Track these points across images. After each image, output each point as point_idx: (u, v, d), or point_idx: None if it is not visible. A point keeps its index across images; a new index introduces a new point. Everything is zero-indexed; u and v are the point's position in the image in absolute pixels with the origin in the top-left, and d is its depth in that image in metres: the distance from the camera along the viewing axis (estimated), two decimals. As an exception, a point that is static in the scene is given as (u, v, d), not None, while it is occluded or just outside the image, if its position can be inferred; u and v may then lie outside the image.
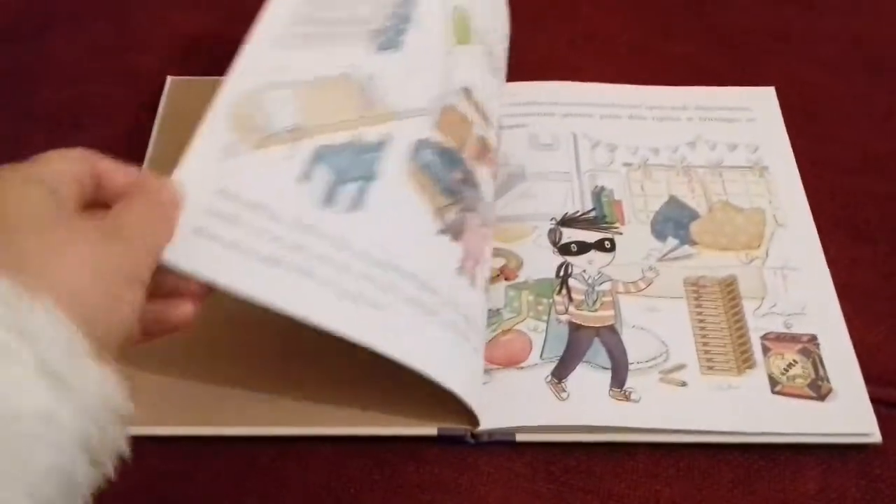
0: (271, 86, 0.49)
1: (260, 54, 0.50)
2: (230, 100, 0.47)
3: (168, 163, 0.44)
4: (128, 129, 0.66)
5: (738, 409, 0.52)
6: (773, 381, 0.53)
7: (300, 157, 0.47)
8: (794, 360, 0.54)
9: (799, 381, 0.54)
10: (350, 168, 0.48)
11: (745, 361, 0.54)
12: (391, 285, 0.46)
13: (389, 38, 0.54)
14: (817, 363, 0.54)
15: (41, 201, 0.35)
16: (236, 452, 0.51)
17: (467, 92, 0.56)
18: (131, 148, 0.63)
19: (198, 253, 0.42)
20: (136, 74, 0.69)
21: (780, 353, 0.55)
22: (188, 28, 0.69)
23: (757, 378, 0.54)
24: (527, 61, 0.71)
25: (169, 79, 0.68)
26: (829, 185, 0.65)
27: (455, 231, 0.51)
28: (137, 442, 0.41)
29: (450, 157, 0.53)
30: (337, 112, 0.49)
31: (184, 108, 0.60)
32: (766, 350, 0.55)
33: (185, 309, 0.41)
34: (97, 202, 0.39)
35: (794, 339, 0.55)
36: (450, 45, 0.57)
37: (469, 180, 0.54)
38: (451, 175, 0.52)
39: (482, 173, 0.56)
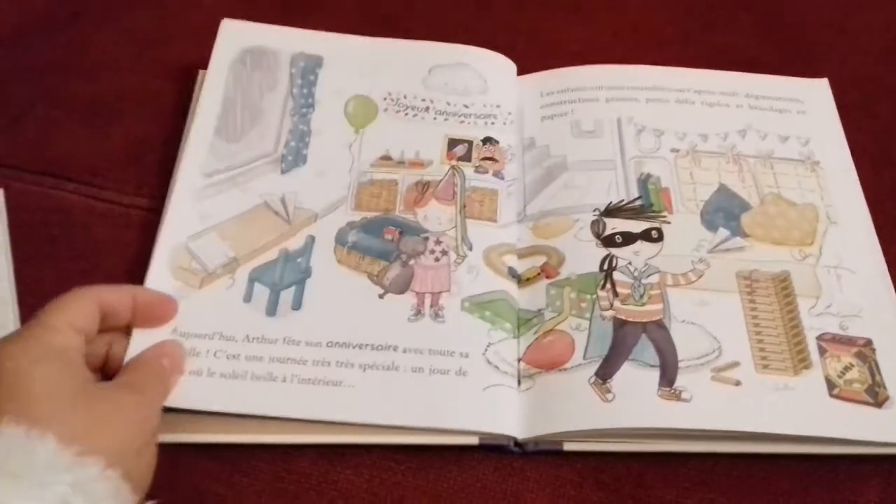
0: (197, 235, 0.55)
1: (183, 210, 0.56)
2: (165, 254, 0.54)
3: None
4: (164, 122, 0.64)
5: (795, 411, 0.49)
6: (831, 384, 0.50)
7: (239, 283, 0.54)
8: (851, 364, 0.51)
9: (856, 385, 0.50)
10: (283, 277, 0.54)
11: (801, 361, 0.51)
12: (346, 361, 0.51)
13: (294, 158, 0.60)
14: (874, 368, 0.51)
15: (62, 379, 0.42)
16: (274, 459, 0.49)
17: (386, 157, 0.60)
18: (167, 141, 0.62)
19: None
20: (173, 64, 0.67)
21: (836, 356, 0.52)
22: (224, 14, 0.66)
23: (814, 379, 0.51)
24: (568, 52, 0.68)
25: (201, 73, 0.65)
26: (889, 182, 0.61)
27: (399, 286, 0.54)
28: (178, 449, 0.46)
29: (376, 225, 0.57)
30: (261, 236, 0.56)
31: None
32: (822, 351, 0.52)
33: None
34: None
35: (850, 341, 0.52)
36: (350, 134, 0.62)
37: (407, 229, 0.57)
38: (379, 241, 0.56)
39: (427, 211, 0.58)
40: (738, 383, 0.50)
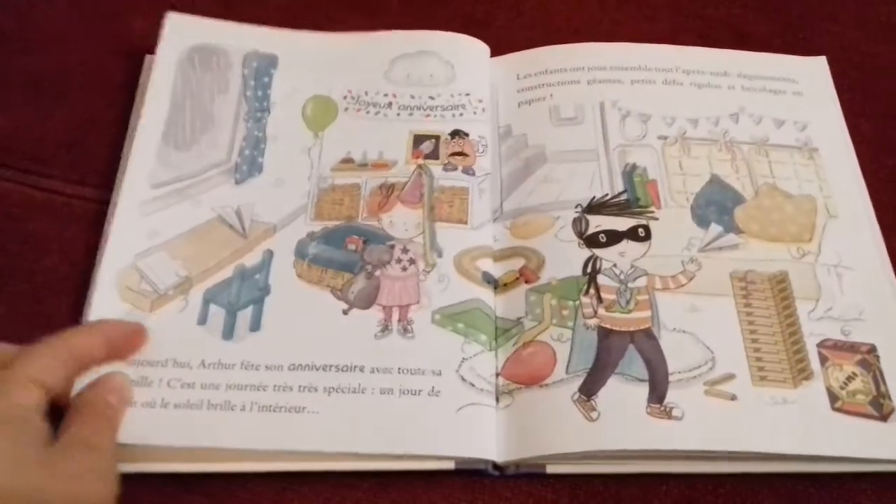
0: (145, 253, 0.52)
1: (129, 225, 0.52)
2: (113, 274, 0.50)
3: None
4: (111, 103, 0.59)
5: (795, 427, 0.46)
6: (833, 396, 0.47)
7: (193, 305, 0.50)
8: (854, 373, 0.48)
9: (860, 397, 0.47)
10: (240, 296, 0.51)
11: (801, 371, 0.48)
12: (310, 384, 0.47)
13: (248, 168, 0.56)
14: (878, 378, 0.48)
15: (14, 446, 0.40)
16: (228, 483, 0.46)
17: (347, 160, 0.56)
18: (114, 125, 0.58)
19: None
20: (122, 40, 0.62)
21: (838, 364, 0.48)
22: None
23: (814, 391, 0.47)
24: (552, 26, 0.64)
25: (147, 58, 0.61)
26: (890, 170, 0.57)
27: (364, 299, 0.51)
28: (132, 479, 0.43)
29: (337, 235, 0.53)
30: (215, 253, 0.52)
31: None
32: (823, 359, 0.48)
33: None
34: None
35: (852, 348, 0.49)
36: (309, 139, 0.57)
37: (372, 237, 0.53)
38: (342, 251, 0.53)
39: (392, 216, 0.54)
40: (733, 398, 0.47)
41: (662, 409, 0.46)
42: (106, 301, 0.49)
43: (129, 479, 0.43)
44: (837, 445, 0.46)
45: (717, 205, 0.54)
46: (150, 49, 0.60)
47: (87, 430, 0.43)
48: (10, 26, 0.63)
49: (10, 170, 0.56)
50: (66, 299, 0.51)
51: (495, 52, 0.61)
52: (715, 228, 0.53)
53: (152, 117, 0.56)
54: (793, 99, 0.59)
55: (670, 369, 0.47)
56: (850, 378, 0.48)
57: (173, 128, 0.56)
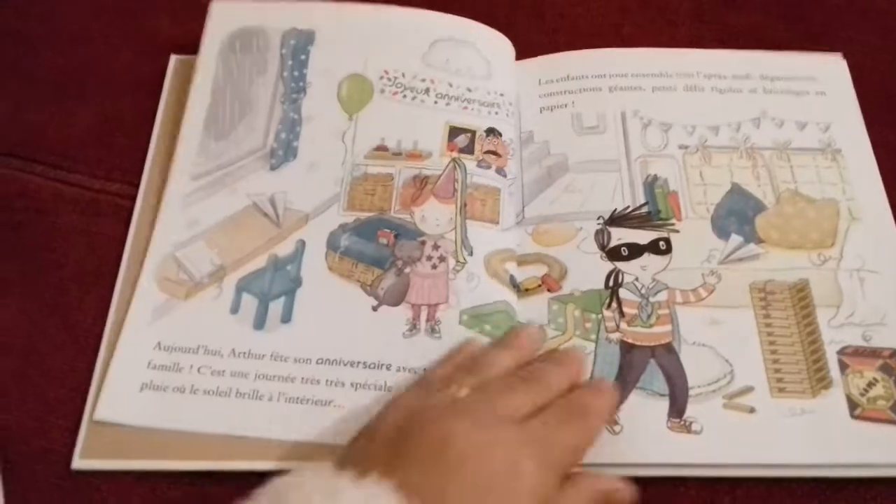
0: (186, 243, 0.53)
1: (172, 217, 0.53)
2: (153, 265, 0.52)
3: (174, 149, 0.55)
4: (137, 100, 0.60)
5: (814, 438, 0.47)
6: (853, 404, 0.48)
7: (226, 293, 0.51)
8: (875, 379, 0.48)
9: (881, 402, 0.48)
10: (272, 287, 0.51)
11: (820, 381, 0.48)
12: (337, 379, 0.48)
13: (284, 153, 0.56)
14: None
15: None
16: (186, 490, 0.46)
17: (381, 148, 0.56)
18: (140, 122, 0.59)
19: (149, 406, 0.47)
20: (149, 38, 0.63)
21: (858, 371, 0.49)
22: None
23: (834, 400, 0.48)
24: (572, 31, 0.64)
25: (173, 58, 0.61)
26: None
27: (394, 296, 0.51)
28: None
29: (369, 228, 0.53)
30: (249, 242, 0.53)
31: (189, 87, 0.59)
32: (843, 367, 0.49)
33: None
34: None
35: (874, 353, 0.49)
36: (344, 121, 0.57)
37: (403, 232, 0.53)
38: (373, 245, 0.53)
39: (424, 210, 0.54)
40: (752, 410, 0.47)
41: (682, 423, 0.47)
42: (144, 294, 0.51)
43: (155, 476, 0.45)
44: (857, 454, 0.46)
45: (737, 214, 0.54)
46: (176, 46, 0.61)
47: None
48: (38, 26, 0.64)
49: (40, 165, 0.57)
50: (94, 292, 0.52)
51: (516, 55, 0.61)
52: (735, 239, 0.53)
53: (196, 109, 0.57)
54: (815, 99, 0.59)
55: (690, 383, 0.48)
56: (871, 384, 0.48)
57: (214, 117, 0.57)
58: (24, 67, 0.62)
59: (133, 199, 0.55)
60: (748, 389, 0.48)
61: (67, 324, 0.51)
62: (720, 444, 0.46)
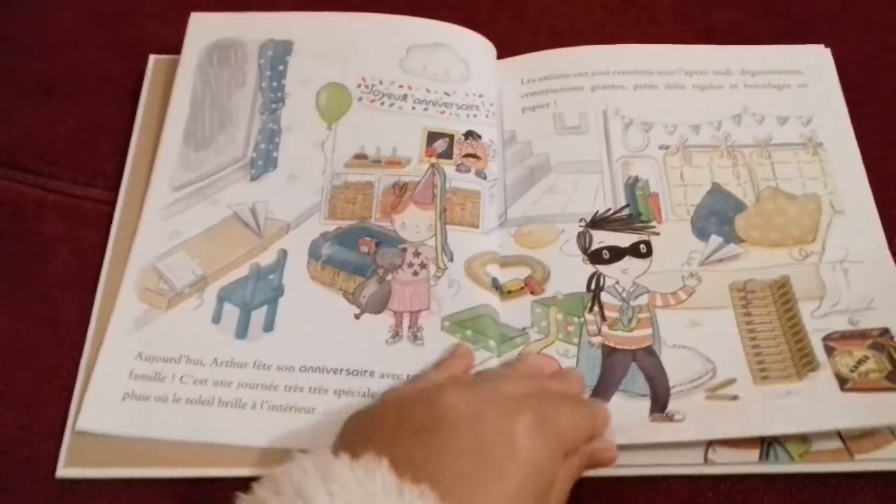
0: (166, 254, 0.53)
1: (152, 229, 0.54)
2: (134, 276, 0.52)
3: (153, 150, 0.56)
4: (120, 106, 0.60)
5: (802, 411, 0.47)
6: (843, 380, 0.48)
7: (208, 303, 0.51)
8: (866, 356, 0.49)
9: (873, 375, 0.48)
10: (254, 296, 0.52)
11: (805, 365, 0.49)
12: (320, 386, 0.48)
13: (264, 163, 0.56)
14: (893, 356, 0.49)
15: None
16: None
17: (361, 155, 0.56)
18: (123, 128, 0.59)
19: (131, 416, 0.47)
20: (132, 45, 0.63)
21: (846, 351, 0.49)
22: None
23: (822, 379, 0.48)
24: (554, 29, 0.63)
25: (152, 58, 0.61)
26: (893, 170, 0.57)
27: (376, 304, 0.51)
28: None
29: (351, 236, 0.54)
30: (230, 252, 0.53)
31: (170, 88, 0.59)
32: (829, 350, 0.49)
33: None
34: None
35: (862, 335, 0.50)
36: (323, 130, 0.57)
37: (384, 239, 0.54)
38: (355, 253, 0.53)
39: (404, 217, 0.54)
40: (734, 398, 0.48)
41: (664, 415, 0.47)
42: (125, 304, 0.51)
43: (140, 484, 0.45)
44: (851, 419, 0.46)
45: (717, 215, 0.54)
46: (160, 51, 0.61)
47: (567, 487, 0.43)
48: (20, 31, 0.64)
49: (23, 172, 0.57)
50: (77, 299, 0.52)
51: (498, 54, 0.61)
52: (715, 240, 0.53)
53: (175, 120, 0.57)
54: (797, 92, 0.59)
55: (671, 383, 0.49)
56: (860, 361, 0.48)
57: (193, 128, 0.57)
58: (5, 72, 0.62)
59: (114, 204, 0.55)
60: (730, 381, 0.48)
61: (51, 331, 0.51)
62: (704, 426, 0.47)
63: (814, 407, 0.47)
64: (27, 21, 0.64)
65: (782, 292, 0.52)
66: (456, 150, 0.56)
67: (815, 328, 0.50)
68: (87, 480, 0.47)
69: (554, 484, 0.41)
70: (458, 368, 0.48)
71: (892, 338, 0.49)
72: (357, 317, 0.51)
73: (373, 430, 0.41)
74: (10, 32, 0.64)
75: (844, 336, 0.50)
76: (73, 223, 0.55)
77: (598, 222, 0.54)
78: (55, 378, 0.50)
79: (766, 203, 0.55)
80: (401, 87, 0.59)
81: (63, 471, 0.46)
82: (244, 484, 0.45)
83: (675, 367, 0.49)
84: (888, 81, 0.62)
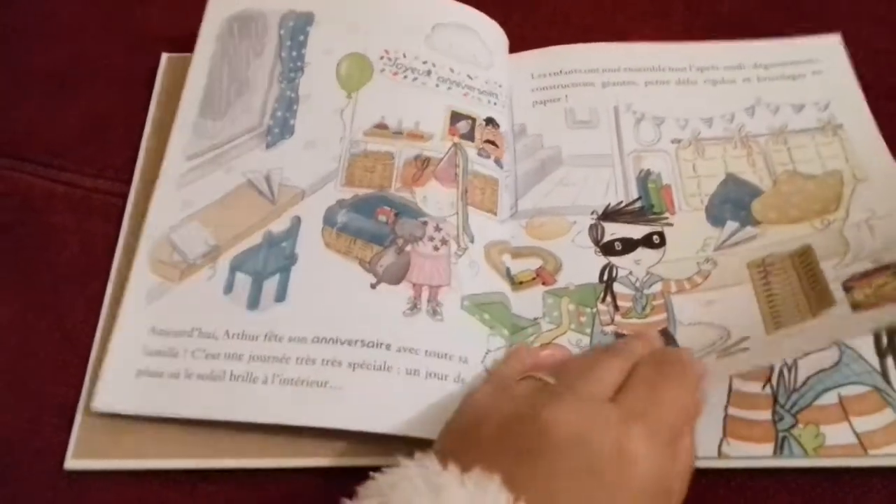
0: (180, 224, 0.52)
1: (166, 199, 0.53)
2: (148, 248, 0.51)
3: (165, 146, 0.55)
4: (129, 97, 0.60)
5: (812, 336, 0.46)
6: (857, 305, 0.47)
7: (220, 273, 0.50)
8: (886, 281, 0.47)
9: (888, 289, 0.46)
10: (266, 264, 0.50)
11: (821, 302, 0.48)
12: (334, 358, 0.46)
13: (280, 130, 0.55)
14: None
15: None
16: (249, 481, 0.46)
17: (381, 126, 0.55)
18: (132, 118, 0.58)
19: (145, 393, 0.46)
20: (141, 34, 0.63)
21: (867, 284, 0.48)
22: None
23: (837, 310, 0.47)
24: (565, 24, 0.64)
25: (164, 56, 0.61)
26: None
27: (394, 274, 0.50)
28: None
29: (368, 205, 0.52)
30: (243, 219, 0.51)
31: (182, 87, 0.58)
32: (848, 289, 0.48)
33: None
34: None
35: (885, 268, 0.48)
36: (342, 99, 0.56)
37: (404, 210, 0.52)
38: (372, 221, 0.51)
39: (426, 191, 0.53)
40: (745, 350, 0.46)
41: None
42: (138, 277, 0.50)
43: (149, 475, 0.45)
44: (858, 330, 0.45)
45: (733, 202, 0.54)
46: (168, 40, 0.61)
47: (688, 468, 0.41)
48: (28, 21, 0.64)
49: (31, 163, 0.57)
50: (86, 291, 0.52)
51: (510, 48, 0.61)
52: (731, 225, 0.53)
53: (191, 95, 0.56)
54: (813, 79, 0.59)
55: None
56: (881, 286, 0.47)
57: (210, 100, 0.56)
58: (13, 64, 0.62)
59: (124, 196, 0.55)
60: (743, 339, 0.47)
61: (60, 323, 0.51)
62: (716, 371, 0.45)
63: (824, 331, 0.46)
64: (35, 12, 0.65)
65: (803, 259, 0.50)
66: (478, 135, 0.56)
67: (836, 276, 0.49)
68: (95, 472, 0.46)
69: (672, 488, 0.39)
70: (545, 360, 0.46)
71: None
72: (373, 286, 0.49)
73: (470, 443, 0.39)
74: (19, 23, 0.64)
75: (867, 274, 0.48)
76: (82, 215, 0.55)
77: (610, 215, 0.54)
78: (64, 370, 0.49)
79: (784, 185, 0.54)
80: (424, 62, 0.57)
81: (71, 462, 0.46)
82: (252, 479, 0.46)
83: (690, 341, 0.48)
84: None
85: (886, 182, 0.53)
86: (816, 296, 0.48)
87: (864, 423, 0.46)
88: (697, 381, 0.42)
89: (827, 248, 0.50)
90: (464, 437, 0.40)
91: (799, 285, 0.49)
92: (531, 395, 0.40)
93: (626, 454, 0.37)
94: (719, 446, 0.45)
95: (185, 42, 0.60)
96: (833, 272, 0.49)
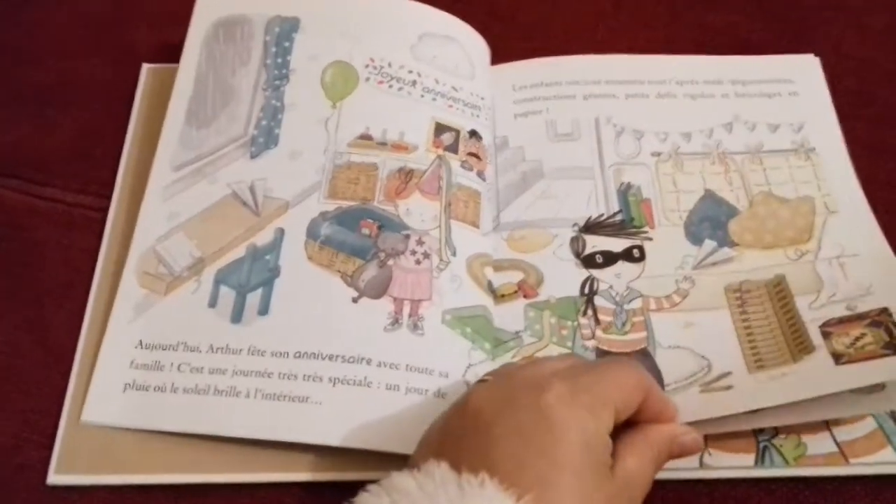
0: (165, 236, 0.52)
1: (153, 210, 0.52)
2: (135, 260, 0.51)
3: (145, 158, 0.55)
4: (114, 113, 0.60)
5: (795, 384, 0.46)
6: (838, 356, 0.47)
7: (205, 286, 0.50)
8: (863, 333, 0.48)
9: (870, 347, 0.47)
10: (250, 278, 0.50)
11: (801, 349, 0.48)
12: (315, 374, 0.47)
13: (264, 140, 0.55)
14: (892, 329, 0.48)
15: (599, 470, 0.38)
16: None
17: (366, 136, 0.55)
18: (117, 134, 0.58)
19: (132, 406, 0.47)
20: (126, 51, 0.63)
21: (843, 332, 0.49)
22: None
23: (818, 358, 0.48)
24: (547, 35, 0.64)
25: (145, 67, 0.61)
26: (885, 172, 0.58)
27: (375, 288, 0.50)
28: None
29: (351, 217, 0.52)
30: (228, 232, 0.51)
31: (163, 97, 0.58)
32: (826, 335, 0.49)
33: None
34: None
35: (859, 317, 0.49)
36: (327, 108, 0.56)
37: (387, 223, 0.52)
38: (355, 235, 0.51)
39: (409, 204, 0.53)
40: (728, 388, 0.47)
41: None
42: (126, 291, 0.50)
43: (132, 490, 0.45)
44: (844, 384, 0.44)
45: (710, 220, 0.54)
46: (154, 57, 0.61)
47: (646, 471, 0.41)
48: (12, 38, 0.64)
49: (16, 180, 0.57)
50: (68, 306, 0.52)
51: (491, 60, 0.61)
52: (709, 244, 0.53)
53: (178, 103, 0.56)
54: (788, 100, 0.60)
55: (666, 381, 0.48)
56: (858, 338, 0.48)
57: (196, 107, 0.56)
58: (5, 82, 0.62)
59: (107, 210, 0.55)
60: (725, 374, 0.48)
61: (42, 339, 0.51)
62: (696, 414, 0.45)
63: (807, 380, 0.46)
64: (20, 28, 0.64)
65: (778, 290, 0.51)
66: (461, 147, 0.56)
67: (813, 318, 0.50)
68: (78, 487, 0.46)
69: (608, 448, 0.39)
70: None
71: (890, 315, 0.49)
72: (355, 300, 0.49)
73: (419, 454, 0.40)
74: (4, 39, 0.64)
75: (842, 321, 0.49)
76: (65, 230, 0.55)
77: (591, 227, 0.54)
78: (46, 386, 0.49)
79: (760, 207, 0.55)
80: (410, 72, 0.58)
81: (54, 477, 0.46)
82: (238, 493, 0.45)
83: (670, 367, 0.49)
84: (882, 84, 0.62)
85: (856, 218, 0.54)
86: (794, 337, 0.49)
87: (844, 433, 0.47)
88: (637, 369, 0.42)
89: (800, 282, 0.51)
90: (420, 446, 0.41)
91: (776, 321, 0.50)
92: (468, 391, 0.41)
93: (547, 409, 0.38)
94: (700, 457, 0.46)
95: (171, 58, 0.60)
96: (809, 312, 0.50)
